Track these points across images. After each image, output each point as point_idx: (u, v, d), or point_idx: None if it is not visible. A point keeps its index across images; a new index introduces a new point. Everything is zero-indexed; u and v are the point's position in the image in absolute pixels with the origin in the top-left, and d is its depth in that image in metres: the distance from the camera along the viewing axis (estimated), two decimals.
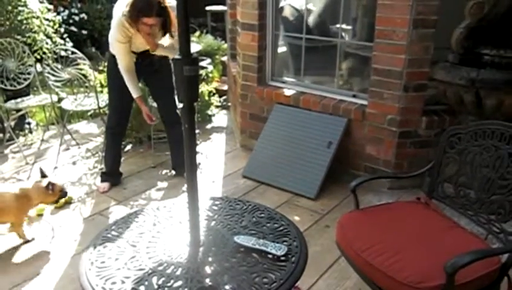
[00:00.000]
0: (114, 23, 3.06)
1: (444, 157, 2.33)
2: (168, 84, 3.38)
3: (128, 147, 4.28)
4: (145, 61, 3.25)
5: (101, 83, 4.36)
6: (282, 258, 1.63)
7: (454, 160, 2.29)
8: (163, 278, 1.54)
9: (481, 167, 2.16)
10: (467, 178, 2.22)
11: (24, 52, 4.15)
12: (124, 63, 3.15)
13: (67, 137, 4.33)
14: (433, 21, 3.01)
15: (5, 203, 2.67)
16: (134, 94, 3.23)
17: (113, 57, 3.21)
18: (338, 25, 3.80)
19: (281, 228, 1.83)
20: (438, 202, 2.36)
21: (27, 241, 2.84)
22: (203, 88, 4.77)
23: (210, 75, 5.36)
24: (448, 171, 2.32)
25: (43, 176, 2.84)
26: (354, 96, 3.60)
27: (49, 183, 2.76)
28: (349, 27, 4.18)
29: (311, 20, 4.33)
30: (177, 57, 1.52)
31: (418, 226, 2.16)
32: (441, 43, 3.10)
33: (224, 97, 5.48)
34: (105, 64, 3.66)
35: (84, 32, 7.65)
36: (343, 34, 4.01)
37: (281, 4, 4.11)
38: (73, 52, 4.04)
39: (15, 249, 2.78)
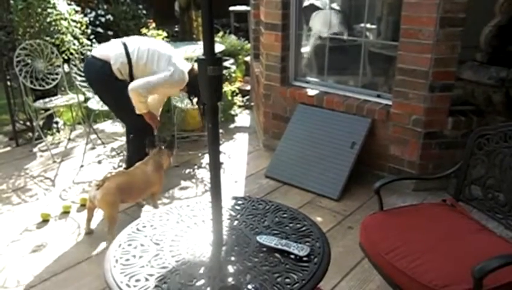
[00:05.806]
0: (178, 77, 3.13)
1: (472, 158, 2.28)
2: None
3: None
4: None
5: None
6: (305, 258, 1.62)
7: (482, 162, 2.24)
8: (186, 277, 1.55)
9: (511, 169, 2.10)
10: (495, 180, 2.17)
11: (52, 53, 4.26)
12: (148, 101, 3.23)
13: (93, 136, 4.42)
14: (460, 19, 2.94)
15: (151, 177, 3.04)
16: (144, 110, 3.21)
17: (119, 80, 3.17)
18: (362, 24, 3.76)
19: (304, 229, 1.83)
20: (464, 204, 2.31)
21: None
22: (226, 88, 4.79)
23: (233, 75, 5.37)
24: (476, 173, 2.27)
25: (153, 146, 3.18)
26: (378, 96, 3.55)
27: (170, 147, 3.34)
28: (373, 26, 4.13)
29: (334, 19, 4.30)
30: (201, 57, 1.53)
31: (443, 228, 2.11)
32: (468, 41, 3.03)
33: (247, 97, 5.49)
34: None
35: (110, 33, 7.78)
36: (368, 33, 3.96)
37: (305, 4, 4.09)
38: None
39: (42, 246, 2.85)
